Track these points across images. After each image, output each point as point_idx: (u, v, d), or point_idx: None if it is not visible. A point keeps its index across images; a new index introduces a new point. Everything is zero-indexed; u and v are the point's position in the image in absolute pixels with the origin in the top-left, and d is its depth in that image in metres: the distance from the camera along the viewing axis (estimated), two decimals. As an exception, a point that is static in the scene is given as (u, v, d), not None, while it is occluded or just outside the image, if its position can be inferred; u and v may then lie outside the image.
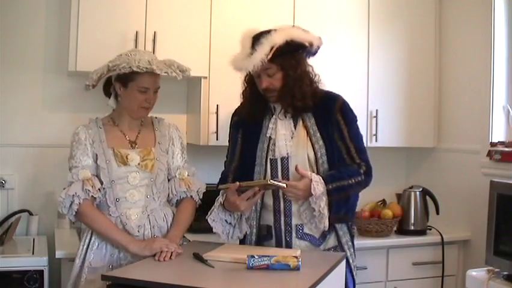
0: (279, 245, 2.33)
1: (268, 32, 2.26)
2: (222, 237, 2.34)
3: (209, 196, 2.44)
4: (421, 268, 3.15)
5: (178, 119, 3.12)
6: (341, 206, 2.26)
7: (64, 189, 2.22)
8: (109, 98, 2.38)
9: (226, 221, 2.32)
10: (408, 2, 3.45)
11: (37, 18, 3.06)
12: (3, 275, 2.44)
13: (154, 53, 2.72)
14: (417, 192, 3.26)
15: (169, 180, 2.40)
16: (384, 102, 3.37)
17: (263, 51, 2.21)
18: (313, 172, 2.25)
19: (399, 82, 3.43)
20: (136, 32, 2.85)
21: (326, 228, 2.22)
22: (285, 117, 2.34)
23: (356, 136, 2.34)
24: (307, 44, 2.29)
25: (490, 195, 2.65)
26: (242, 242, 2.41)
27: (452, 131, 3.46)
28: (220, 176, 2.45)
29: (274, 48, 2.21)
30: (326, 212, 2.19)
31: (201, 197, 2.43)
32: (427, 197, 3.28)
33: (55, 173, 3.03)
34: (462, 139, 3.36)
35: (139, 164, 2.28)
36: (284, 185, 2.16)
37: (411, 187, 3.32)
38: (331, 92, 2.38)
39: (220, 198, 2.30)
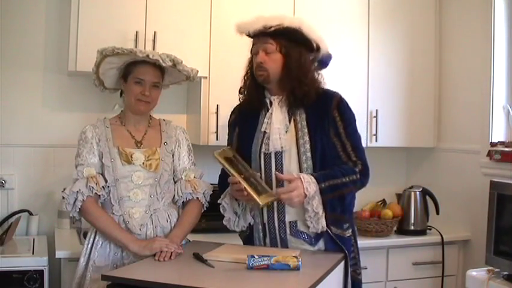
0: (273, 242, 2.30)
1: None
2: (228, 225, 2.34)
3: (211, 197, 2.43)
4: (421, 268, 3.15)
5: (178, 119, 3.12)
6: (336, 205, 2.22)
7: (65, 188, 2.22)
8: None
9: (232, 209, 2.33)
10: (408, 2, 3.45)
11: (37, 18, 3.06)
12: (3, 275, 2.44)
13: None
14: (417, 192, 3.26)
15: (175, 182, 2.39)
16: (384, 102, 3.36)
17: (269, 20, 2.23)
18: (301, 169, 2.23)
19: (399, 82, 3.43)
20: (136, 32, 2.86)
21: (324, 229, 2.17)
22: (281, 108, 2.30)
23: (353, 134, 2.28)
24: (313, 44, 2.27)
25: (490, 195, 2.65)
26: (250, 238, 2.38)
27: (452, 131, 3.46)
28: (220, 173, 2.44)
29: (278, 25, 2.21)
30: (320, 211, 2.15)
31: (208, 199, 2.42)
32: (427, 197, 3.28)
33: (55, 173, 3.04)
34: (462, 139, 3.36)
35: (143, 163, 2.28)
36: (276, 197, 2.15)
37: (411, 187, 3.32)
38: (329, 89, 2.35)
39: (228, 189, 2.29)
